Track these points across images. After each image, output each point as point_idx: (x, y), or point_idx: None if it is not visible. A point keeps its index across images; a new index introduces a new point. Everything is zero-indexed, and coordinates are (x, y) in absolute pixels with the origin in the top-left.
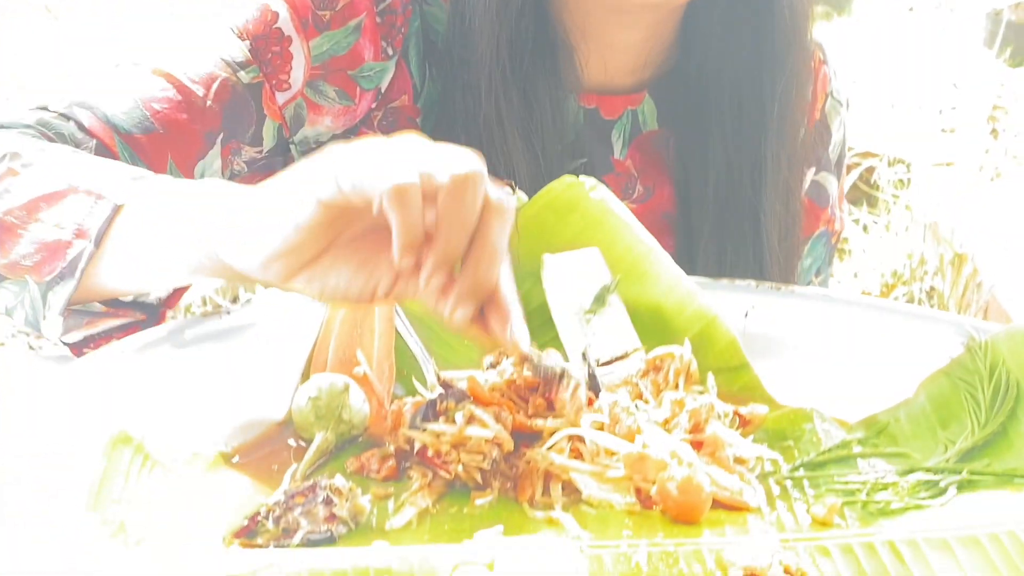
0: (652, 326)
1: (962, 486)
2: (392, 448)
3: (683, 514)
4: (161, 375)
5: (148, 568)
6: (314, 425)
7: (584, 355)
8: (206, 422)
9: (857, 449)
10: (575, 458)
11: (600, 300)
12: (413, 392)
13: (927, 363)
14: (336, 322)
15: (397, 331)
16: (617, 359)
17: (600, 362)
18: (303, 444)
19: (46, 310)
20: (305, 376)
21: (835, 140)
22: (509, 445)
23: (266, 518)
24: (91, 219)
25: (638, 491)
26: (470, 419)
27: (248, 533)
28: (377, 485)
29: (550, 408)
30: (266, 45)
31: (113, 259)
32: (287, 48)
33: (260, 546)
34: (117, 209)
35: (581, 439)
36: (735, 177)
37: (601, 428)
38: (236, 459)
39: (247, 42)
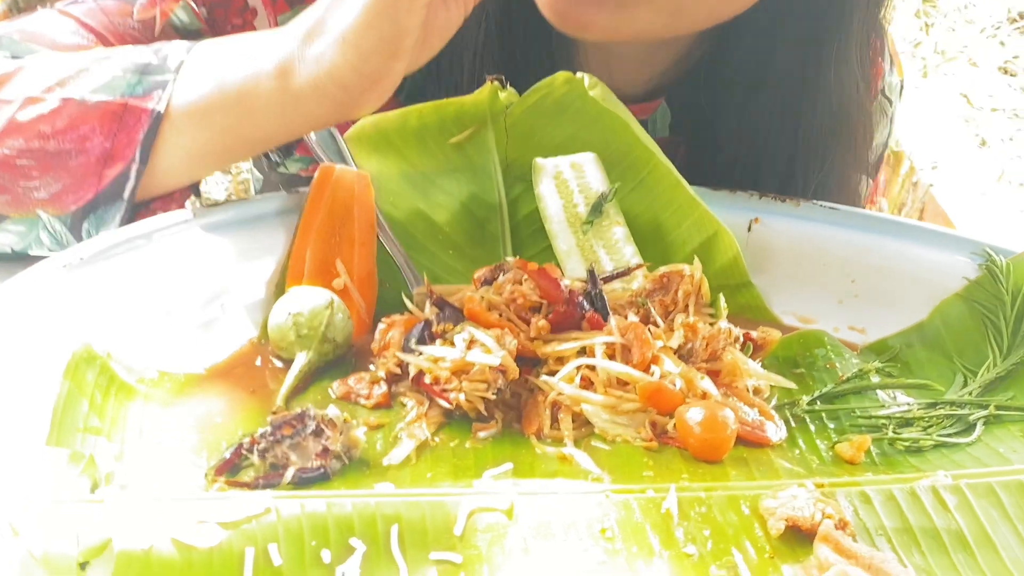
0: (648, 238)
1: (987, 421)
2: (382, 373)
3: (706, 452)
4: (124, 283)
5: (126, 514)
6: (295, 344)
7: (592, 272)
8: (173, 337)
9: (875, 379)
10: (585, 388)
11: (597, 210)
12: (400, 309)
13: (939, 284)
14: (313, 228)
15: (379, 240)
16: (617, 275)
17: (599, 279)
18: (281, 364)
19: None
20: (280, 287)
21: (877, 142)
22: (514, 373)
23: (250, 451)
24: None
25: (652, 425)
26: (471, 343)
27: (232, 468)
28: (367, 413)
29: (554, 330)
30: (225, 16)
31: (168, 168)
32: (251, 22)
33: (248, 485)
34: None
35: (590, 366)
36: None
37: (612, 355)
38: (209, 381)
39: (204, 8)
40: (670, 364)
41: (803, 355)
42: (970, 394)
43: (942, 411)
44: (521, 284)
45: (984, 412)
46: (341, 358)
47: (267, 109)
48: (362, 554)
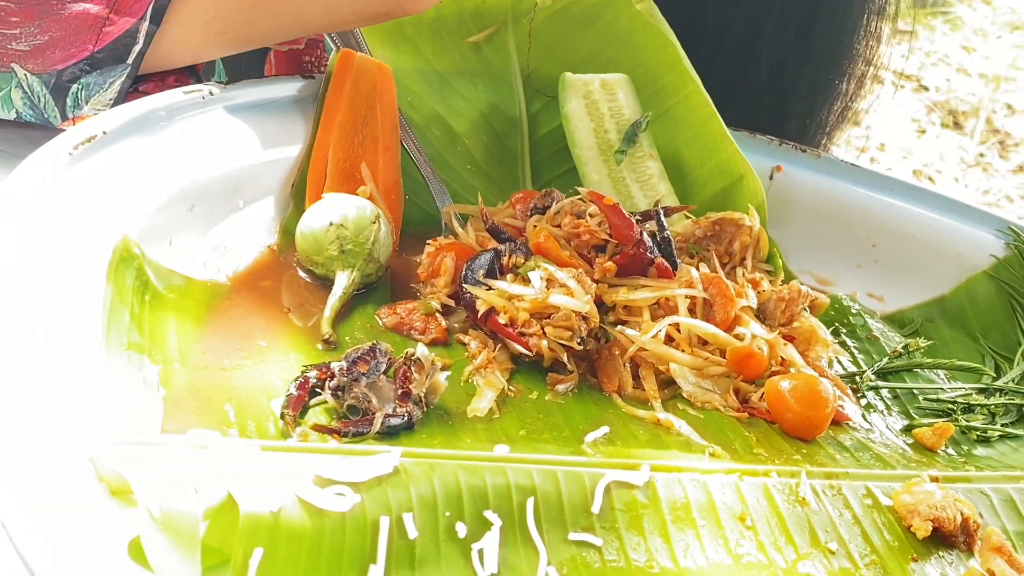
0: (668, 175)
1: None
2: (437, 304)
3: (802, 429)
4: (145, 170)
5: (237, 465)
6: (336, 261)
7: (659, 213)
8: (196, 235)
9: (924, 358)
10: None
11: (631, 139)
12: (423, 228)
13: (963, 258)
14: (335, 122)
15: (403, 146)
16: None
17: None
18: (309, 279)
19: (69, 107)
20: (299, 189)
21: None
22: (596, 321)
23: (320, 387)
24: None
25: (736, 392)
26: (549, 282)
27: (300, 405)
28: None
29: (619, 274)
30: None
31: (182, 35)
32: None
33: (336, 432)
34: None
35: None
36: None
37: (692, 310)
38: (237, 293)
39: None
40: (757, 327)
41: (842, 322)
42: (1014, 381)
43: (998, 399)
44: (582, 217)
45: None
46: (378, 279)
47: None
48: (499, 529)
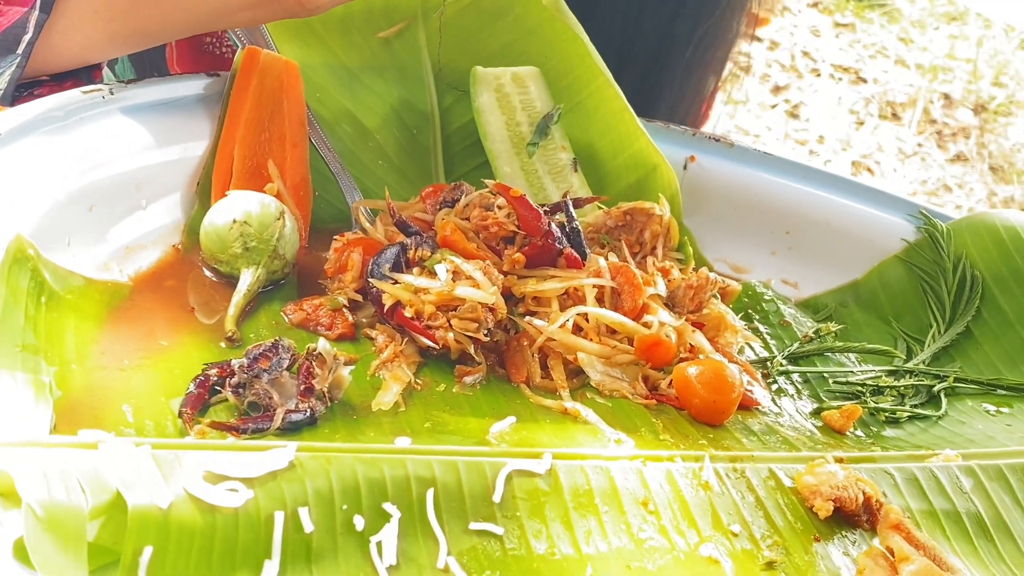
0: (582, 167)
1: (947, 393)
2: (344, 300)
3: (710, 414)
4: (42, 169)
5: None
6: (240, 258)
7: (568, 203)
8: (95, 236)
9: (835, 342)
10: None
11: (543, 131)
12: (333, 224)
13: (875, 243)
14: (240, 120)
15: (311, 142)
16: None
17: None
18: (215, 278)
19: None
20: (205, 187)
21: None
22: (504, 312)
23: (221, 385)
24: None
25: (645, 380)
26: (456, 274)
27: (200, 403)
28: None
29: (528, 265)
30: None
31: (73, 29)
32: None
33: (234, 429)
34: None
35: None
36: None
37: (600, 300)
38: (139, 294)
39: None
40: (665, 315)
41: (755, 308)
42: (924, 363)
43: (907, 381)
44: (491, 209)
45: (944, 383)
46: (285, 276)
47: None
48: (397, 521)
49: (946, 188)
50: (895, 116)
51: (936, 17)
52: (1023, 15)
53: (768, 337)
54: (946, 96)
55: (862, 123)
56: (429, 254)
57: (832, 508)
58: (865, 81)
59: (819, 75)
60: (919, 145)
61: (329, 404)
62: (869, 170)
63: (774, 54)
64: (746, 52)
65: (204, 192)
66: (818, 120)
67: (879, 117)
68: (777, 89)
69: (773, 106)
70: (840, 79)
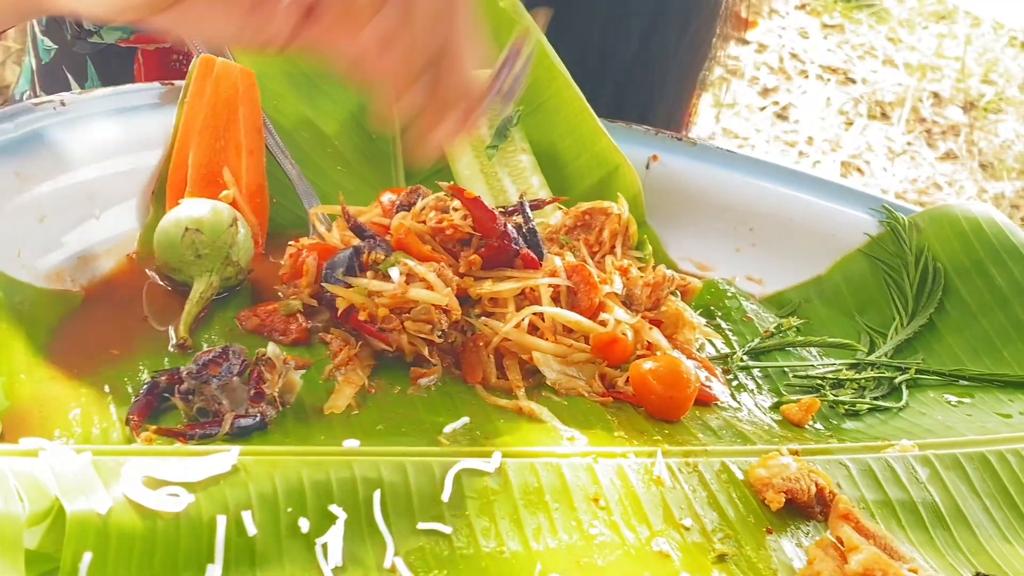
0: (544, 169)
1: (908, 385)
2: (298, 305)
3: (666, 410)
4: None
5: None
6: (193, 266)
7: (524, 204)
8: (40, 242)
9: (796, 337)
10: (530, 334)
11: (502, 134)
12: (290, 230)
13: (838, 238)
14: (195, 129)
15: (268, 149)
16: (533, 207)
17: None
18: (170, 287)
19: None
20: (159, 196)
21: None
22: (458, 313)
23: (170, 392)
24: None
25: (602, 378)
26: (409, 277)
27: (148, 410)
28: (286, 351)
29: (485, 266)
30: None
31: None
32: None
33: (182, 436)
34: None
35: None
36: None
37: (555, 299)
38: (92, 302)
39: None
40: (621, 313)
41: (717, 305)
42: (886, 355)
43: (869, 373)
44: (447, 212)
45: (905, 375)
46: (239, 283)
47: None
48: (343, 523)
49: (936, 186)
50: (884, 116)
51: (924, 16)
52: (1011, 12)
53: (730, 333)
54: (935, 95)
55: (851, 123)
56: (383, 257)
57: (784, 500)
58: (854, 81)
59: (807, 76)
60: (908, 144)
61: (280, 409)
62: (859, 170)
63: (762, 56)
64: (734, 55)
65: (159, 201)
66: (807, 121)
67: (868, 117)
68: (766, 91)
69: (762, 108)
70: (828, 80)
